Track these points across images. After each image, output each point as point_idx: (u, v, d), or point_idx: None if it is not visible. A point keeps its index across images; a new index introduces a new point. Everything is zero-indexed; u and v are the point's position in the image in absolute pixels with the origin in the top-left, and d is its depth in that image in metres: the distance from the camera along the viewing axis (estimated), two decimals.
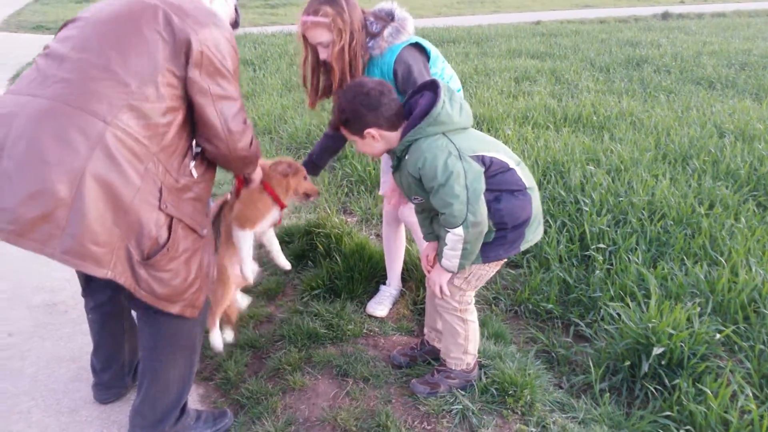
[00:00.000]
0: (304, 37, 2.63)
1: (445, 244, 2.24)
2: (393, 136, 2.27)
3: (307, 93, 2.82)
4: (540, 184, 4.38)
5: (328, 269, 3.36)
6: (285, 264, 2.88)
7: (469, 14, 21.94)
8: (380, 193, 3.15)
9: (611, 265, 3.42)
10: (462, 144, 2.19)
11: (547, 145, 5.22)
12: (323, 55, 2.61)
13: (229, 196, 2.66)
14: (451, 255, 2.25)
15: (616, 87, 7.93)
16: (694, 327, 2.72)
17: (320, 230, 3.77)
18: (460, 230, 2.17)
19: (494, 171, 2.22)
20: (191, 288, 2.07)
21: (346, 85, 2.39)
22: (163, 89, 1.87)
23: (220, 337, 2.78)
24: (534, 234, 2.35)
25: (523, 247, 2.33)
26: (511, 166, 2.26)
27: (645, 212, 3.88)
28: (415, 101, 2.30)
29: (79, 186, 1.72)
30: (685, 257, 3.44)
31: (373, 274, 3.39)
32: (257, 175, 2.52)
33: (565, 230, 3.76)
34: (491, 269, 2.40)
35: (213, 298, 2.63)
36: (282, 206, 2.67)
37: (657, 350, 2.60)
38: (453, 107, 2.21)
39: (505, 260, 2.44)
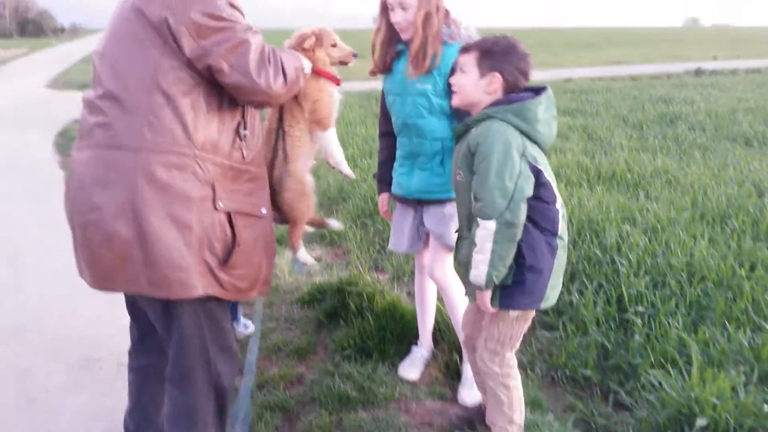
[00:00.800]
0: (383, 5, 2.65)
1: (474, 246, 2.13)
2: (498, 97, 2.21)
3: (372, 60, 2.81)
4: (575, 244, 4.32)
5: (360, 329, 3.34)
6: (349, 171, 2.71)
7: None
8: (390, 248, 3.12)
9: (650, 329, 3.32)
10: (529, 150, 2.13)
11: (581, 203, 5.18)
12: (398, 17, 2.57)
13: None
14: (480, 261, 2.13)
15: (650, 144, 7.89)
16: (740, 397, 2.62)
17: (352, 288, 3.77)
18: (492, 224, 2.07)
19: (539, 195, 2.14)
20: (263, 269, 2.15)
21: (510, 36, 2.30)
22: (171, 89, 1.84)
23: (307, 253, 2.77)
24: (554, 293, 2.27)
25: (543, 305, 2.25)
26: (556, 204, 2.20)
27: (684, 274, 3.79)
28: (516, 94, 2.24)
29: (135, 221, 1.79)
30: (726, 322, 3.33)
31: (405, 335, 3.35)
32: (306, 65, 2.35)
33: (602, 292, 3.69)
34: (520, 325, 2.32)
35: (299, 213, 2.58)
36: (337, 82, 2.53)
37: (701, 422, 2.49)
38: (545, 116, 2.16)
39: (533, 315, 2.35)
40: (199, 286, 1.90)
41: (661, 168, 6.47)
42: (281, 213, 2.57)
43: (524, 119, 2.12)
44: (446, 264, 2.86)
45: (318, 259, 4.67)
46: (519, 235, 2.12)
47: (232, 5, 1.91)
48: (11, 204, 6.28)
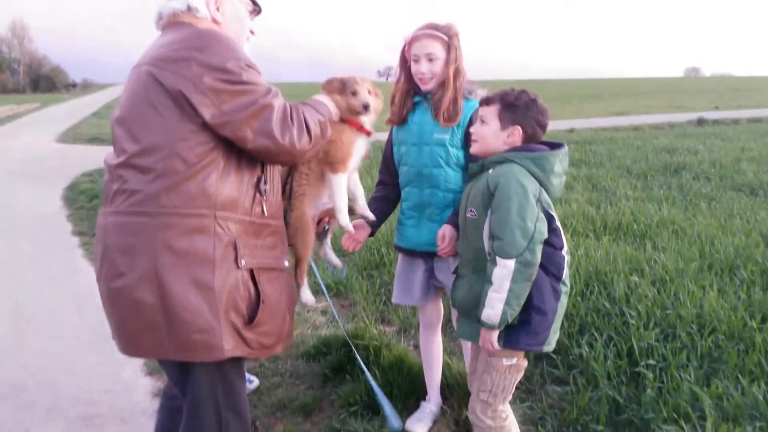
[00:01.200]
0: (403, 58, 2.78)
1: (490, 285, 2.15)
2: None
3: (392, 107, 2.88)
4: (582, 295, 4.28)
5: (367, 385, 3.28)
6: (369, 214, 2.69)
7: None
8: (394, 301, 3.09)
9: (662, 382, 3.26)
10: (544, 195, 2.21)
11: (588, 253, 5.16)
12: (424, 68, 2.68)
13: None
14: (495, 300, 2.14)
15: (655, 194, 7.90)
16: None
17: (358, 341, 3.72)
18: (512, 263, 2.10)
19: (549, 240, 2.20)
20: (287, 321, 2.14)
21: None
22: (187, 153, 1.83)
23: (309, 292, 2.68)
24: (555, 337, 2.29)
25: (546, 348, 2.26)
26: (563, 250, 2.25)
27: (694, 326, 3.73)
28: (535, 144, 2.33)
29: (158, 287, 1.80)
30: (740, 375, 3.26)
31: (413, 390, 3.29)
32: (335, 111, 2.37)
33: (612, 344, 3.63)
34: (512, 375, 2.31)
35: (300, 251, 2.52)
36: (365, 131, 2.50)
37: None
38: (559, 169, 2.24)
39: (525, 365, 2.35)
40: (226, 347, 1.88)
41: (667, 218, 6.46)
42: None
43: (542, 168, 2.21)
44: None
45: (324, 312, 4.63)
46: (534, 276, 2.16)
47: (248, 66, 1.90)
48: (17, 258, 6.30)
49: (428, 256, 2.84)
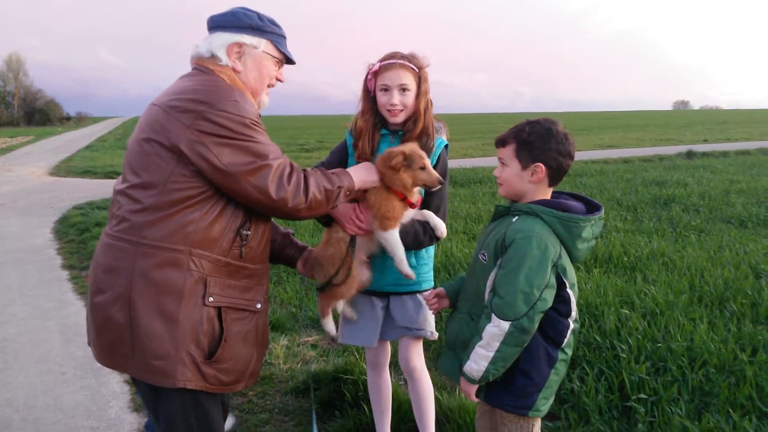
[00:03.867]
0: (366, 88, 2.67)
1: (480, 339, 2.05)
2: (546, 190, 2.17)
3: (357, 145, 2.72)
4: None
5: (356, 420, 3.25)
6: (409, 272, 2.54)
7: (494, 155, 22.62)
8: (343, 341, 2.88)
9: (654, 417, 3.24)
10: (562, 261, 2.07)
11: (579, 286, 5.14)
12: (395, 99, 2.57)
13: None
14: (481, 356, 2.05)
15: (644, 227, 7.94)
16: None
17: (348, 377, 3.69)
18: (506, 325, 1.99)
19: (555, 306, 2.08)
20: (251, 362, 2.21)
21: (543, 118, 2.22)
22: (176, 194, 1.97)
23: (332, 324, 2.71)
24: (545, 404, 2.16)
25: (532, 413, 2.13)
26: (571, 322, 2.13)
27: (685, 359, 3.72)
28: (556, 196, 2.22)
29: (129, 309, 1.94)
30: (731, 409, 3.25)
31: (402, 425, 3.26)
32: (369, 181, 2.46)
33: (603, 378, 3.61)
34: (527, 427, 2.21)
35: (338, 291, 2.56)
36: (411, 205, 2.52)
37: None
38: (588, 235, 2.11)
39: (537, 422, 2.24)
40: (181, 378, 1.97)
41: (657, 250, 6.49)
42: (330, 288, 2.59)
43: (569, 231, 2.08)
44: (421, 353, 2.80)
45: (314, 345, 4.60)
46: (527, 343, 2.06)
47: (253, 124, 2.03)
48: (5, 291, 6.24)
49: (385, 294, 2.76)
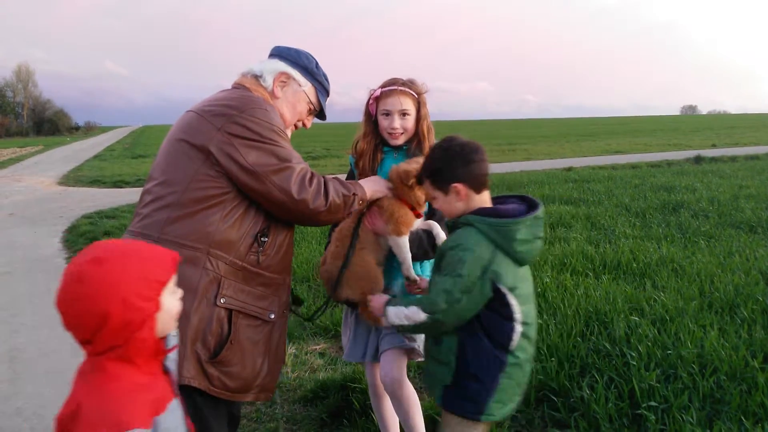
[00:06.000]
0: (368, 112, 2.82)
1: (404, 307, 2.12)
2: (477, 199, 2.18)
3: (358, 165, 2.86)
4: (583, 336, 4.26)
5: (364, 429, 3.24)
6: (413, 275, 2.65)
7: (501, 161, 22.66)
8: (346, 359, 2.95)
9: (664, 425, 3.21)
10: (497, 267, 2.05)
11: (588, 293, 5.14)
12: (396, 123, 2.73)
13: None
14: (399, 316, 2.13)
15: (653, 232, 7.90)
16: None
17: (356, 385, 3.68)
18: (423, 317, 2.06)
19: (495, 309, 2.08)
20: (261, 374, 2.21)
21: (441, 139, 2.34)
22: (198, 192, 2.05)
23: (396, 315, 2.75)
24: (500, 409, 2.14)
25: (485, 418, 2.12)
26: (514, 321, 2.09)
27: (695, 366, 3.70)
28: (501, 200, 2.25)
29: None
30: (743, 417, 3.22)
31: None
32: (378, 191, 2.56)
33: (613, 386, 3.59)
34: None
35: (361, 290, 2.59)
36: (418, 215, 2.63)
37: None
38: (526, 236, 2.09)
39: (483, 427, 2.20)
40: (185, 375, 1.98)
41: (666, 256, 6.45)
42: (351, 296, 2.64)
43: (503, 236, 2.08)
44: (403, 368, 2.76)
45: (321, 354, 4.59)
46: (435, 333, 2.14)
47: (279, 131, 2.15)
48: (15, 301, 6.27)
49: None
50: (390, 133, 2.77)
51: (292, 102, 2.42)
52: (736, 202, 9.98)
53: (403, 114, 2.74)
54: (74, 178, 19.66)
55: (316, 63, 2.47)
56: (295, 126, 2.52)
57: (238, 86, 2.34)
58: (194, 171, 2.06)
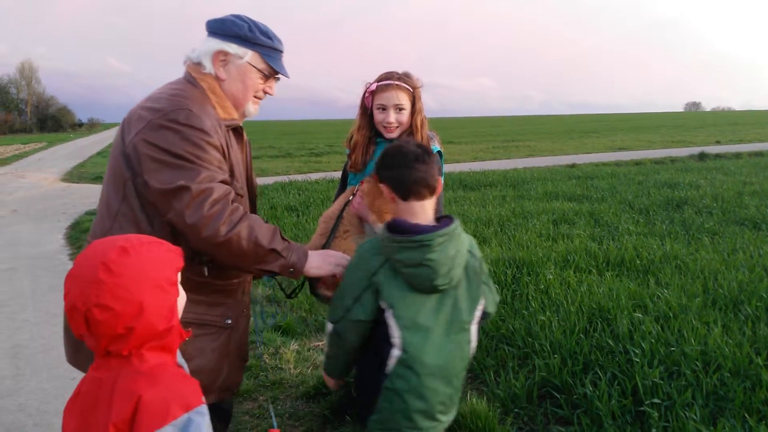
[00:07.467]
0: (364, 106, 2.86)
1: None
2: (402, 207, 2.08)
3: (352, 156, 2.90)
4: (586, 332, 4.25)
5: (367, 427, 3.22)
6: None
7: (504, 158, 22.65)
8: None
9: (667, 422, 3.20)
10: (381, 278, 1.98)
11: (591, 290, 5.12)
12: (391, 118, 2.77)
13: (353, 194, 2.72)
14: (328, 334, 2.17)
15: (657, 229, 7.88)
16: None
17: None
18: (330, 326, 2.12)
19: (379, 325, 2.03)
20: (221, 377, 2.19)
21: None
22: (135, 201, 2.01)
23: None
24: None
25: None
26: (395, 350, 2.00)
27: (699, 363, 3.68)
28: (444, 219, 2.11)
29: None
30: (747, 414, 3.21)
31: None
32: (322, 269, 2.35)
33: (616, 383, 3.58)
34: None
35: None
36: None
37: None
38: (407, 259, 1.96)
39: None
40: None
41: (670, 253, 6.43)
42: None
43: (387, 251, 2.01)
44: None
45: (323, 350, 4.59)
46: (347, 350, 2.12)
47: (199, 139, 1.98)
48: (18, 297, 6.28)
49: None
50: (385, 127, 2.81)
51: (239, 79, 2.23)
52: (740, 198, 9.95)
53: (399, 108, 2.78)
54: (77, 175, 19.69)
55: (249, 25, 2.21)
56: (258, 97, 2.33)
57: (185, 76, 2.22)
58: (125, 178, 2.01)
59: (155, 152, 1.93)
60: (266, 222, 2.12)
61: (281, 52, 2.31)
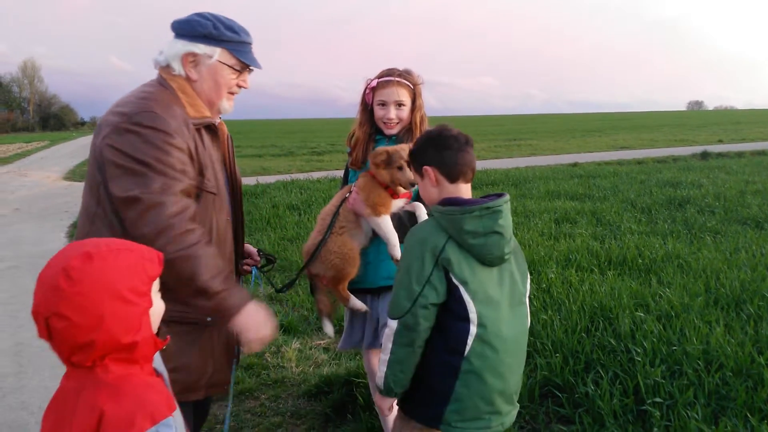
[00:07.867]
0: (364, 102, 2.87)
1: (382, 345, 2.08)
2: (449, 189, 2.09)
3: (353, 153, 2.92)
4: (588, 331, 4.24)
5: (368, 424, 3.23)
6: (398, 255, 2.62)
7: (506, 157, 22.63)
8: (340, 347, 3.05)
9: (669, 421, 3.20)
10: (450, 255, 1.96)
11: (593, 289, 5.12)
12: (392, 114, 2.78)
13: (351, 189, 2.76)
14: (382, 362, 2.05)
15: (659, 228, 7.87)
16: None
17: (360, 380, 3.68)
18: (394, 324, 1.98)
19: (450, 307, 1.99)
20: (207, 373, 2.19)
21: None
22: (106, 203, 2.03)
23: (331, 325, 2.86)
24: (459, 420, 2.01)
25: (443, 428, 2.03)
26: (472, 326, 1.97)
27: (701, 362, 3.68)
28: (487, 196, 2.11)
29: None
30: (748, 413, 3.20)
31: None
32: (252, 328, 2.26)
33: (618, 382, 3.58)
34: None
35: (340, 275, 2.68)
36: (392, 194, 2.68)
37: None
38: (475, 228, 1.97)
39: None
40: None
41: (672, 252, 6.42)
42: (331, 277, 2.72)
43: (452, 224, 1.99)
44: None
45: (326, 349, 4.60)
46: (419, 342, 1.99)
47: (162, 142, 1.99)
48: (20, 296, 6.30)
49: (378, 291, 2.82)
50: (385, 123, 2.82)
51: (211, 78, 2.23)
52: (742, 197, 9.93)
53: (399, 105, 2.79)
54: (80, 173, 19.71)
55: (214, 23, 2.19)
56: (232, 93, 2.33)
57: (157, 78, 2.23)
58: (96, 181, 2.05)
59: (118, 157, 1.97)
60: (211, 247, 2.07)
61: (250, 44, 2.30)
